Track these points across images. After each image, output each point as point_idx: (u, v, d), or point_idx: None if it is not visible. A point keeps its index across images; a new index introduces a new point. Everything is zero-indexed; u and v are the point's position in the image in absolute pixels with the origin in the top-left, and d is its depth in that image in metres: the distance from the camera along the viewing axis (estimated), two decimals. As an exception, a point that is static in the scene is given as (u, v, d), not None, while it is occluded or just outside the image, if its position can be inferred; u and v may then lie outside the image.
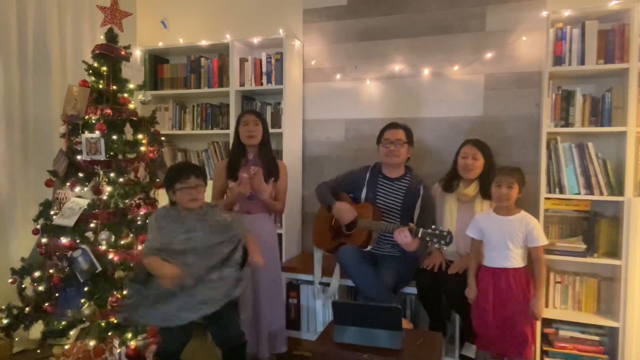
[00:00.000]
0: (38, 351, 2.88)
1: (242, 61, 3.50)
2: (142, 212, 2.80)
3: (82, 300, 2.55)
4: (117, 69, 2.85)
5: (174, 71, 3.75)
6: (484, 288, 2.48)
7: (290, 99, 3.42)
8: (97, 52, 2.80)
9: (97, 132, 2.65)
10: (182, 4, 3.96)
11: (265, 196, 2.74)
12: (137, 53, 3.73)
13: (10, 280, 2.79)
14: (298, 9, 3.64)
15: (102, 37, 2.87)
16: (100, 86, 2.80)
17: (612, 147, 2.83)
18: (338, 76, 3.54)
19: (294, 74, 3.49)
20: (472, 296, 2.52)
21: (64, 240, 2.63)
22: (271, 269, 2.83)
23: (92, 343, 2.54)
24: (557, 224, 2.85)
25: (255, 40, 3.49)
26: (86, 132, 2.69)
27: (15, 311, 2.72)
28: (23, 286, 2.76)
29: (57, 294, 2.63)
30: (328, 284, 3.01)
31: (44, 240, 2.72)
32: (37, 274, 2.73)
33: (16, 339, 2.90)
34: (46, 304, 2.64)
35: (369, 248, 2.81)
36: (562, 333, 2.79)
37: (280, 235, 3.21)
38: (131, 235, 2.74)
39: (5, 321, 2.71)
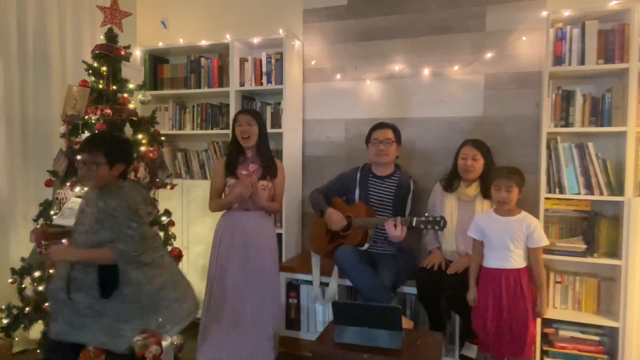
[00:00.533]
0: (38, 351, 2.88)
1: (242, 61, 3.50)
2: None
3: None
4: (117, 69, 2.86)
5: (174, 71, 3.75)
6: (484, 289, 2.47)
7: (290, 99, 3.42)
8: (97, 52, 2.80)
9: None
10: (182, 4, 3.96)
11: (262, 202, 2.73)
12: (137, 53, 3.72)
13: (10, 280, 2.79)
14: (298, 9, 3.64)
15: (102, 37, 2.88)
16: (100, 86, 2.81)
17: (612, 147, 2.83)
18: (338, 76, 3.54)
19: (294, 74, 3.49)
20: (472, 299, 2.51)
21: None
22: (269, 270, 2.79)
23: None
24: (557, 224, 2.84)
25: (255, 40, 3.49)
26: (86, 132, 2.70)
27: (15, 311, 2.73)
28: (23, 286, 2.77)
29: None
30: (327, 284, 3.02)
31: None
32: (37, 274, 2.73)
33: (16, 339, 2.91)
34: (46, 304, 2.63)
35: (366, 246, 2.82)
36: (562, 333, 2.79)
37: (280, 235, 3.21)
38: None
39: (5, 321, 2.71)
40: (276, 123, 3.44)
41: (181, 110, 3.74)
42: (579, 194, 2.74)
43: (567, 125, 2.78)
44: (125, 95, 2.90)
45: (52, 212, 2.74)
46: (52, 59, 3.31)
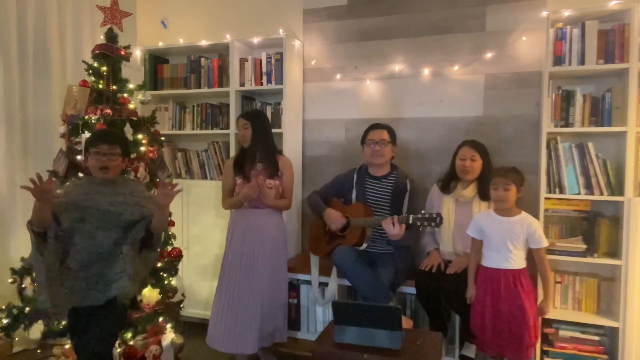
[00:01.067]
0: (38, 351, 2.89)
1: (242, 61, 3.50)
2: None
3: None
4: (117, 69, 2.85)
5: (174, 71, 3.75)
6: (482, 288, 2.47)
7: (290, 99, 3.42)
8: (97, 52, 2.80)
9: (97, 132, 2.65)
10: (182, 4, 3.96)
11: (270, 201, 2.81)
12: (137, 53, 3.73)
13: (10, 280, 2.79)
14: (298, 9, 3.64)
15: (102, 37, 2.87)
16: (100, 86, 2.80)
17: (612, 147, 2.83)
18: (338, 76, 3.54)
19: (294, 74, 3.49)
20: (471, 296, 2.52)
21: None
22: (278, 263, 2.87)
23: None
24: (557, 224, 2.84)
25: (255, 40, 3.49)
26: (86, 132, 2.69)
27: (15, 311, 2.72)
28: (23, 286, 2.76)
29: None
30: (327, 284, 3.02)
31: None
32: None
33: (16, 339, 2.91)
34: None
35: (364, 246, 2.83)
36: (562, 333, 2.79)
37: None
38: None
39: (5, 321, 2.71)
40: (276, 123, 3.44)
41: (181, 110, 3.74)
42: (579, 194, 2.74)
43: (567, 125, 2.78)
44: (125, 95, 2.90)
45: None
46: (52, 59, 3.31)
